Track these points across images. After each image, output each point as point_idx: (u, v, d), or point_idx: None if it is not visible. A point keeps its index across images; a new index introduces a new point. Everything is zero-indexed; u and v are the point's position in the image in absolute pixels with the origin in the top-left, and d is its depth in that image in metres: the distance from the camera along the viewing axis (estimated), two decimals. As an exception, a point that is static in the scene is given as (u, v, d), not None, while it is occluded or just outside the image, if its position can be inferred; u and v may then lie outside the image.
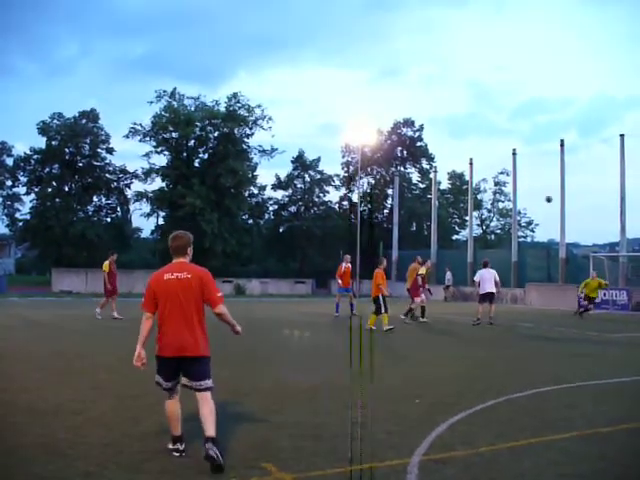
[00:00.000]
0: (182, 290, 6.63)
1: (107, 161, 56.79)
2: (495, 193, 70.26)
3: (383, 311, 19.68)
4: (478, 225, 68.34)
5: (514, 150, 41.97)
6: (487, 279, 23.52)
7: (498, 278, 23.77)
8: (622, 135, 35.07)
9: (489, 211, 71.46)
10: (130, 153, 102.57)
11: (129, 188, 57.07)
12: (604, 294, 31.93)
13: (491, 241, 67.87)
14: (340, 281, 25.17)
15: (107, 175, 56.56)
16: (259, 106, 55.96)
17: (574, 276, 35.42)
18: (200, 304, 6.71)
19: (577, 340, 19.67)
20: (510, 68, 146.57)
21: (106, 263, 23.51)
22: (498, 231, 71.26)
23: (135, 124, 54.27)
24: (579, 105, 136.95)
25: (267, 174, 79.95)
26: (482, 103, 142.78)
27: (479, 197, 67.60)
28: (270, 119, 56.11)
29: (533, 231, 68.76)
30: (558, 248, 38.10)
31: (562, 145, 38.04)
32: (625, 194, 34.56)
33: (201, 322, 6.74)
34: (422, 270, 23.84)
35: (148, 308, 6.73)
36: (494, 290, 23.53)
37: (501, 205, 70.10)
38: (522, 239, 59.99)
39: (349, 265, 25.07)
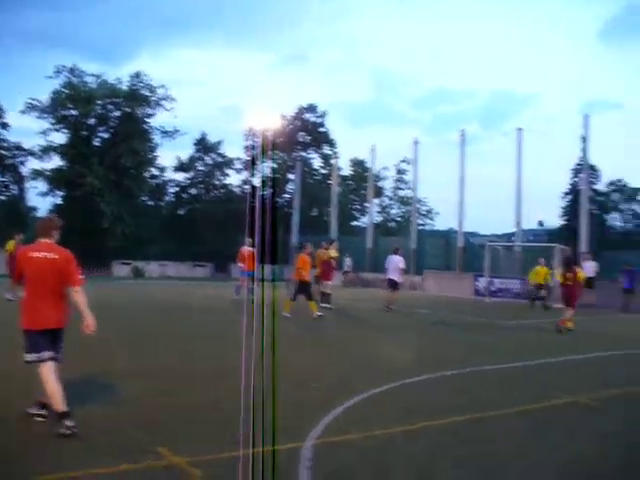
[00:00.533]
0: (50, 269, 7.13)
1: (1, 137, 54.71)
2: (396, 181, 70.96)
3: (307, 298, 19.77)
4: (379, 212, 68.90)
5: (416, 139, 42.50)
6: (391, 266, 23.75)
7: (402, 265, 23.98)
8: (520, 129, 35.96)
9: (390, 199, 72.11)
10: (27, 130, 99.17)
11: (24, 165, 55.15)
12: (499, 282, 32.77)
13: (391, 228, 68.50)
14: (243, 265, 24.92)
15: (1, 151, 54.47)
16: (162, 86, 54.86)
17: (471, 264, 36.20)
18: (64, 283, 7.23)
19: (472, 326, 20.15)
20: (415, 58, 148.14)
21: (11, 242, 22.51)
22: (399, 219, 71.98)
23: (32, 100, 52.43)
24: (481, 98, 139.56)
25: (168, 156, 78.97)
26: (386, 91, 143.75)
27: (380, 184, 68.10)
28: (173, 100, 55.12)
29: (433, 219, 69.85)
30: (457, 237, 38.82)
31: (462, 136, 38.73)
32: (521, 186, 35.48)
33: (63, 298, 7.29)
34: (334, 252, 23.86)
35: (17, 279, 7.41)
36: (395, 277, 23.73)
37: (402, 193, 70.81)
38: (422, 227, 60.84)
39: (252, 249, 24.87)
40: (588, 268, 28.10)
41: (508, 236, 43.07)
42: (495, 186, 79.08)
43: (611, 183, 65.96)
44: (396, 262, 23.86)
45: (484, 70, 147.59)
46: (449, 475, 6.19)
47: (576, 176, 57.06)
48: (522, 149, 35.63)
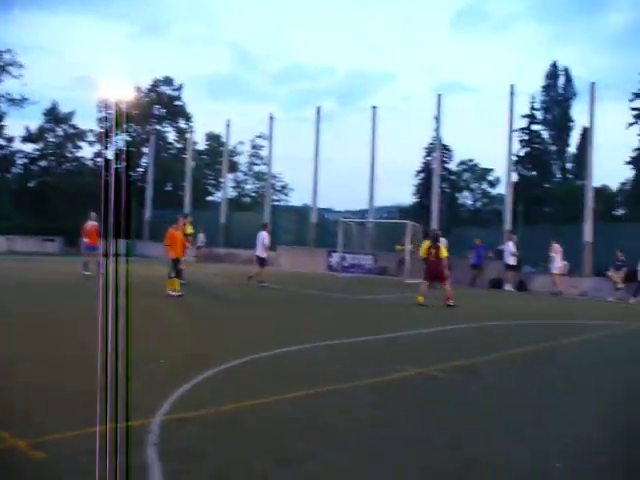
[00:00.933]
0: None
1: None
2: (252, 156, 70.78)
3: (173, 275, 18.85)
4: (233, 187, 68.63)
5: (271, 114, 42.38)
6: (258, 242, 23.63)
7: (266, 241, 23.80)
8: (374, 107, 36.48)
9: (245, 174, 71.92)
10: None
11: None
12: (351, 258, 33.24)
13: (246, 204, 68.35)
14: (87, 240, 24.22)
15: None
16: (8, 51, 52.37)
17: (325, 240, 36.54)
18: None
19: (324, 301, 20.29)
20: (273, 33, 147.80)
21: None
22: (253, 194, 71.94)
23: None
24: (339, 75, 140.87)
25: (16, 125, 75.60)
26: (244, 66, 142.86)
27: (235, 159, 67.81)
28: (21, 66, 52.73)
29: (288, 195, 70.13)
30: (311, 213, 39.06)
31: (318, 112, 38.94)
32: (375, 163, 36.08)
33: None
34: (189, 229, 23.34)
35: None
36: (259, 253, 23.61)
37: (257, 168, 70.79)
38: (277, 203, 61.01)
39: (95, 223, 24.12)
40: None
41: (362, 212, 43.68)
42: (350, 163, 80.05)
43: (463, 163, 68.15)
44: (261, 238, 23.77)
45: (342, 47, 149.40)
46: (296, 448, 6.12)
47: (429, 155, 58.63)
48: (377, 127, 36.19)
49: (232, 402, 7.44)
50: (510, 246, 27.32)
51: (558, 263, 26.41)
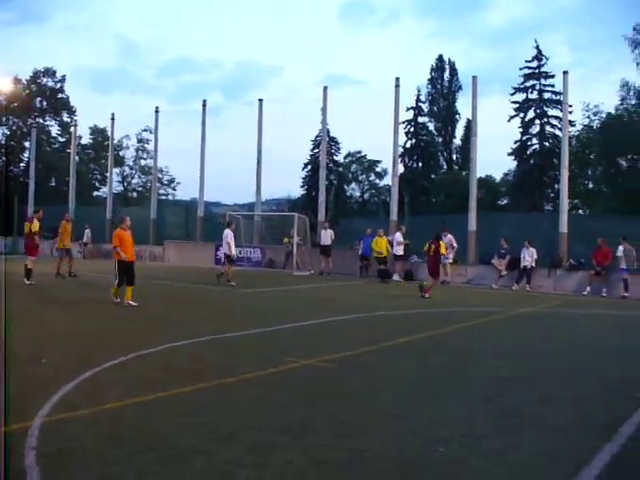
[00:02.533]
0: None
1: None
2: (138, 150, 69.51)
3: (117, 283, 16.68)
4: (119, 182, 67.35)
5: (157, 108, 41.60)
6: (223, 240, 23.64)
7: (229, 239, 23.37)
8: (261, 100, 36.23)
9: (131, 168, 70.60)
10: None
11: None
12: (239, 251, 32.95)
13: (132, 198, 67.15)
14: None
15: None
16: None
17: (213, 234, 36.03)
18: None
19: (212, 295, 20.04)
20: (160, 25, 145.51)
21: None
22: (140, 188, 70.74)
23: None
24: (226, 68, 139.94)
25: None
26: (129, 58, 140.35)
27: (121, 154, 66.53)
28: None
29: (175, 189, 69.19)
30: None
31: (204, 105, 38.44)
32: (262, 156, 35.89)
33: None
34: (36, 226, 22.17)
35: None
36: (224, 251, 23.64)
37: (143, 162, 69.60)
38: (163, 197, 60.16)
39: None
40: (325, 236, 29.04)
41: (250, 206, 43.47)
42: (238, 156, 79.58)
43: (350, 154, 68.76)
44: (226, 236, 23.53)
45: (230, 40, 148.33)
46: (181, 445, 5.95)
47: (317, 147, 58.86)
48: (263, 120, 35.95)
49: (116, 400, 7.28)
50: (398, 237, 27.60)
51: (452, 253, 26.89)
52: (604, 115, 48.12)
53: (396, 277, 27.46)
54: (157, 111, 41.49)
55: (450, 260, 26.72)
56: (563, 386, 9.13)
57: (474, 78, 29.53)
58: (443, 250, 21.26)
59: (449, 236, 26.81)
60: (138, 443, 5.95)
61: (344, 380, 8.91)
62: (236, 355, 10.43)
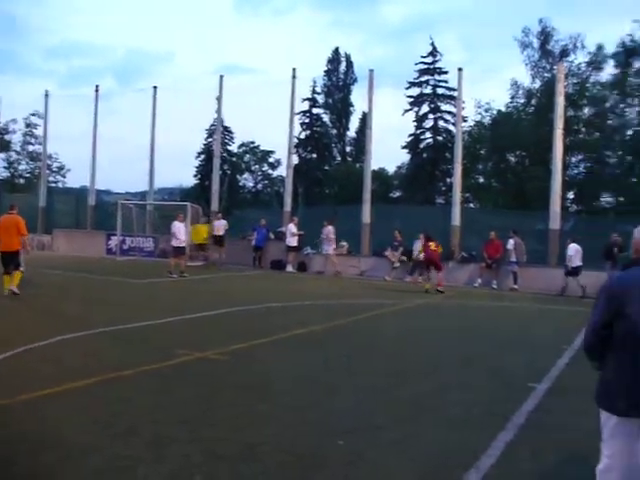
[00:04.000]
0: None
1: None
2: (26, 135, 67.11)
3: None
4: (5, 168, 64.94)
5: (47, 92, 40.28)
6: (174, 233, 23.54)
7: (182, 231, 23.33)
8: (155, 87, 35.53)
9: (18, 153, 68.13)
10: None
11: None
12: (131, 241, 32.37)
13: (20, 185, 64.87)
14: None
15: None
16: None
17: (104, 223, 35.26)
18: None
19: (103, 285, 19.61)
20: (48, 4, 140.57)
21: None
22: (27, 175, 68.37)
23: None
24: (118, 53, 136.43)
25: None
26: (15, 39, 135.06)
27: (7, 138, 64.15)
28: None
29: (64, 177, 67.18)
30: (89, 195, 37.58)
31: (97, 91, 37.47)
32: (155, 145, 35.21)
33: None
34: None
35: None
36: (174, 243, 23.54)
37: (31, 148, 67.20)
38: (53, 184, 58.36)
39: None
40: (219, 226, 28.79)
41: (143, 194, 42.61)
42: (131, 144, 78.12)
43: (244, 145, 68.34)
44: (176, 228, 23.24)
45: (121, 25, 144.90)
46: (78, 442, 5.80)
47: (211, 136, 58.26)
48: (157, 107, 35.31)
49: (4, 398, 6.98)
50: (291, 228, 27.61)
51: (333, 244, 27.03)
52: (495, 112, 49.36)
53: (289, 268, 27.47)
54: (47, 95, 40.19)
55: (333, 251, 26.92)
56: (458, 376, 9.32)
57: (371, 71, 29.79)
58: (434, 247, 22.21)
59: (329, 227, 27.01)
60: (30, 443, 5.75)
61: (239, 373, 8.87)
62: (130, 348, 10.22)
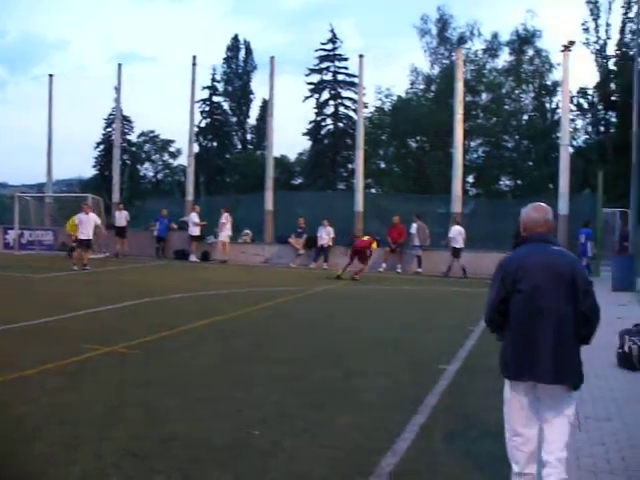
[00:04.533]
0: None
1: None
2: None
3: None
4: None
5: None
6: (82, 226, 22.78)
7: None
8: (51, 75, 34.46)
9: None
10: None
11: None
12: (29, 235, 31.41)
13: None
14: None
15: None
16: None
17: (0, 217, 34.11)
18: None
19: (2, 281, 18.89)
20: None
21: None
22: None
23: None
24: (9, 39, 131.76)
25: None
26: None
27: None
28: None
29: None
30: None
31: (-14, 79, 36.23)
32: (52, 135, 34.18)
33: None
34: None
35: None
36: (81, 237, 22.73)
37: None
38: (-57, 178, 56.25)
39: None
40: (120, 217, 28.27)
41: (40, 186, 41.46)
42: (26, 134, 75.87)
43: (143, 134, 67.29)
44: (82, 220, 22.72)
45: (12, 9, 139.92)
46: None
47: (109, 126, 57.14)
48: (53, 96, 34.27)
49: None
50: (193, 217, 27.31)
51: (227, 231, 26.90)
52: (395, 98, 49.96)
53: (193, 258, 27.16)
54: None
55: (225, 238, 26.83)
56: (369, 361, 9.36)
57: (272, 58, 29.49)
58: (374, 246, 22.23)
59: (225, 214, 26.89)
60: None
61: (148, 366, 8.66)
62: (33, 346, 9.81)
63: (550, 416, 4.52)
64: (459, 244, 22.99)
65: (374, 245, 21.98)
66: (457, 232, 22.97)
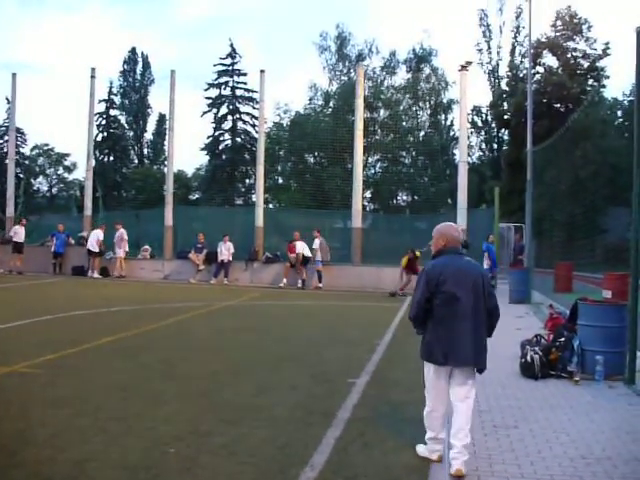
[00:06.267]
0: None
1: None
2: None
3: None
4: None
5: None
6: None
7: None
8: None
9: None
10: None
11: None
12: None
13: None
14: None
15: None
16: None
17: None
18: None
19: None
20: None
21: None
22: None
23: None
24: None
25: None
26: None
27: None
28: None
29: None
30: None
31: None
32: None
33: None
34: None
35: None
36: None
37: None
38: None
39: None
40: (19, 233, 27.51)
41: None
42: None
43: (37, 147, 65.68)
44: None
45: None
46: None
47: (2, 138, 55.48)
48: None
49: None
50: (99, 234, 26.80)
51: (124, 247, 26.67)
52: (293, 113, 50.32)
53: (93, 274, 26.59)
54: None
55: (123, 254, 26.66)
56: (276, 376, 9.35)
57: (172, 72, 29.22)
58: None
59: (121, 230, 26.64)
60: None
61: (53, 386, 8.37)
62: None
63: (460, 395, 5.78)
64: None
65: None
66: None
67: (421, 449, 6.03)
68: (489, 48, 50.85)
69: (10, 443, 6.16)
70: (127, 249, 26.87)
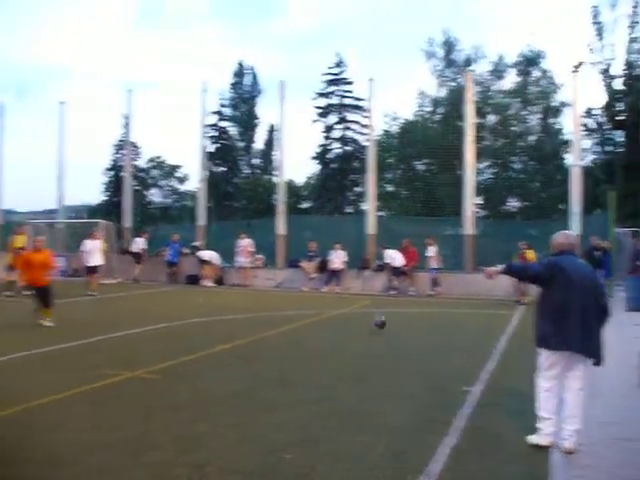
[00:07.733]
0: None
1: None
2: None
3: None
4: None
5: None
6: None
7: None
8: (63, 103, 34.47)
9: None
10: None
11: None
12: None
13: None
14: None
15: None
16: None
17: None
18: None
19: (16, 307, 18.89)
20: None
21: None
22: None
23: None
24: (15, 68, 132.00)
25: None
26: None
27: None
28: None
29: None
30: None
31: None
32: (64, 161, 34.24)
33: None
34: None
35: None
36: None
37: None
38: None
39: None
40: (139, 243, 28.46)
41: (47, 213, 41.53)
42: (35, 161, 76.38)
43: (151, 160, 67.58)
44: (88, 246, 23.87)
45: (19, 39, 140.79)
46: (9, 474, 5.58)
47: (118, 152, 57.39)
48: (65, 124, 34.40)
49: None
50: (140, 241, 28.05)
51: (248, 257, 27.13)
52: (402, 121, 50.18)
53: (207, 282, 27.16)
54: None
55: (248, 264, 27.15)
56: (394, 384, 9.37)
57: (281, 83, 29.60)
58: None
59: (246, 240, 27.10)
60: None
61: (173, 391, 8.69)
62: (56, 372, 9.88)
63: (572, 384, 6.34)
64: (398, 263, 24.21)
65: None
66: (391, 255, 24.38)
67: (532, 437, 6.45)
68: (602, 47, 49.35)
69: (132, 445, 6.41)
70: (251, 258, 27.44)
